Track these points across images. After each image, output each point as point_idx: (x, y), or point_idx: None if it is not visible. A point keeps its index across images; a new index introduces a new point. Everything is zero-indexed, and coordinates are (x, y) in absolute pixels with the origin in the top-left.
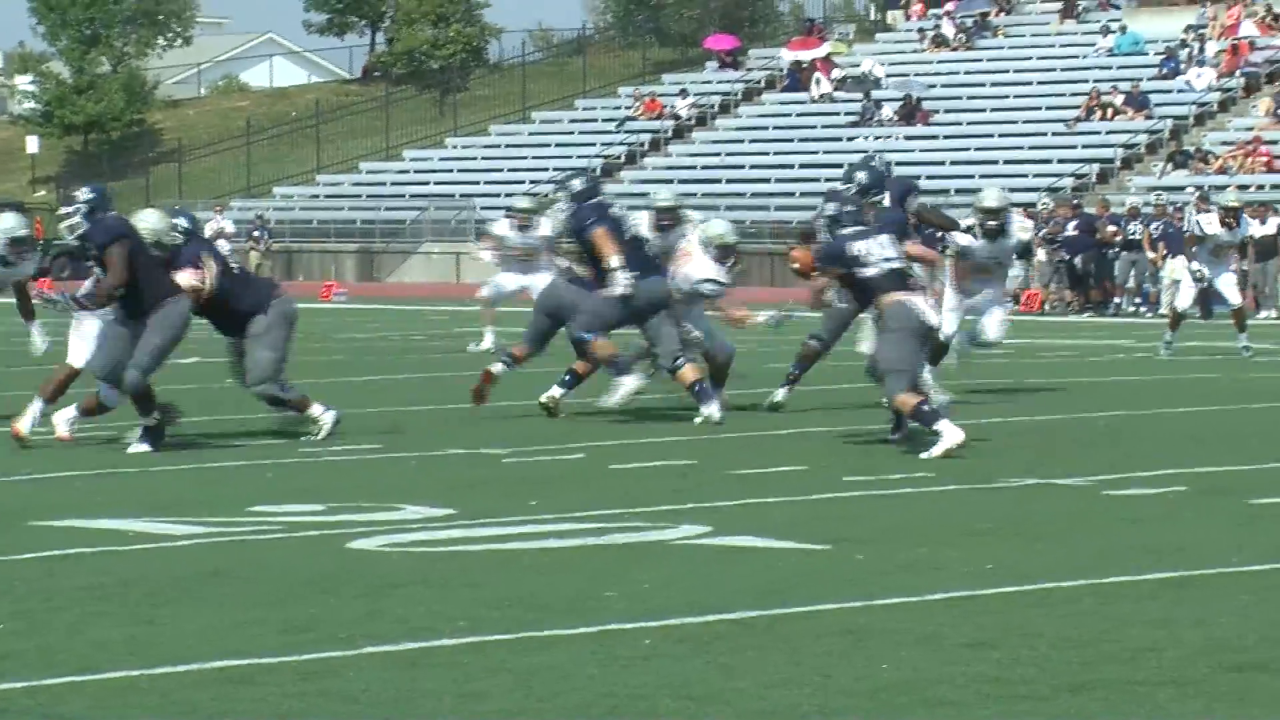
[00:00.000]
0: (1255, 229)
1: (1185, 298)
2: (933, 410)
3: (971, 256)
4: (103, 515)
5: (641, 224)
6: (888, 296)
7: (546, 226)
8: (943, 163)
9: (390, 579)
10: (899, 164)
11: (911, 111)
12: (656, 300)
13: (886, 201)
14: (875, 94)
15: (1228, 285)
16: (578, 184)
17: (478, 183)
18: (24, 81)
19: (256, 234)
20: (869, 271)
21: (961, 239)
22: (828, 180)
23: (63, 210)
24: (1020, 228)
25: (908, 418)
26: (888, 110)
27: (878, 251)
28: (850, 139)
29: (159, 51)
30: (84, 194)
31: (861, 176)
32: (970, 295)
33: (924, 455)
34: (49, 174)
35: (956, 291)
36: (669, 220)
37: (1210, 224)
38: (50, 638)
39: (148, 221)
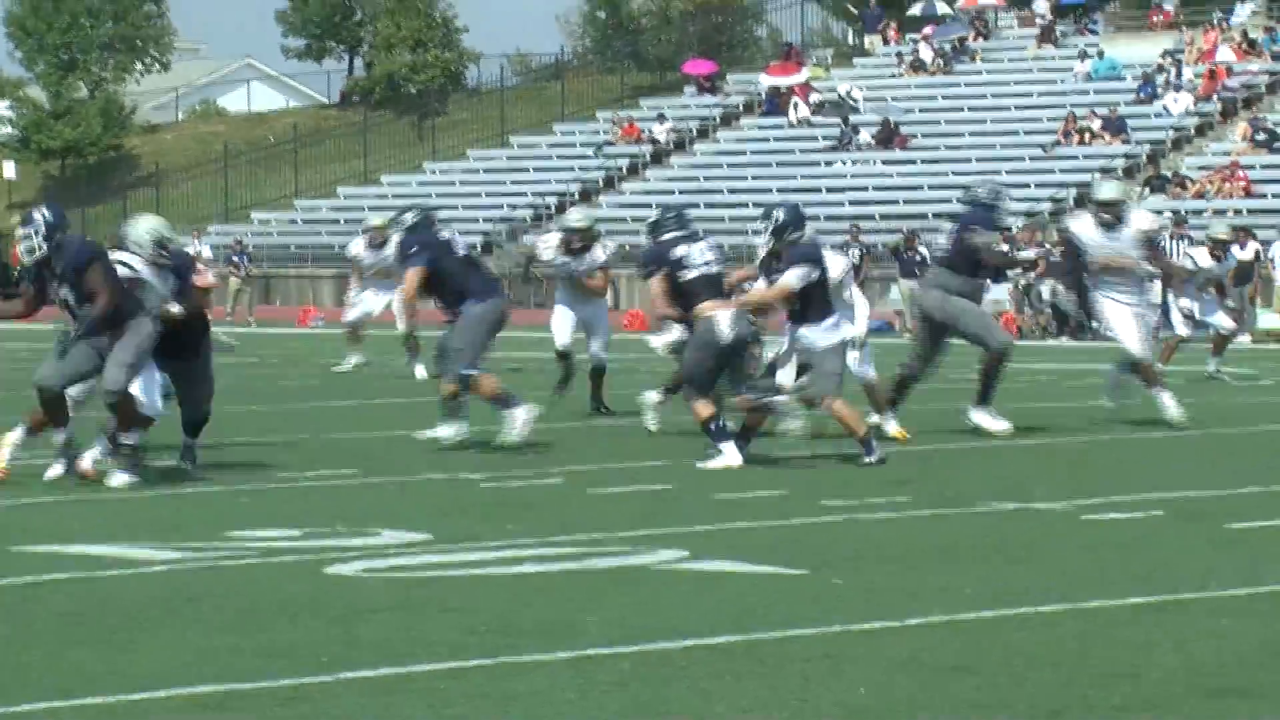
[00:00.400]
0: (1234, 252)
1: (1181, 327)
2: (720, 428)
3: (1087, 254)
4: (79, 540)
5: (549, 246)
6: (703, 307)
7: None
8: (920, 187)
9: (368, 604)
10: (876, 188)
11: (889, 136)
12: (495, 321)
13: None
14: (853, 119)
15: (1219, 317)
16: (409, 217)
17: (456, 207)
18: (1, 107)
19: (235, 259)
20: (689, 275)
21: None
22: (806, 205)
23: (20, 232)
24: (1142, 219)
25: (702, 428)
26: (865, 135)
27: (698, 256)
28: (828, 163)
29: (136, 77)
30: (43, 215)
31: (779, 214)
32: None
33: (698, 464)
34: (26, 199)
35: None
36: (581, 242)
37: (1201, 257)
38: (27, 662)
39: (147, 223)
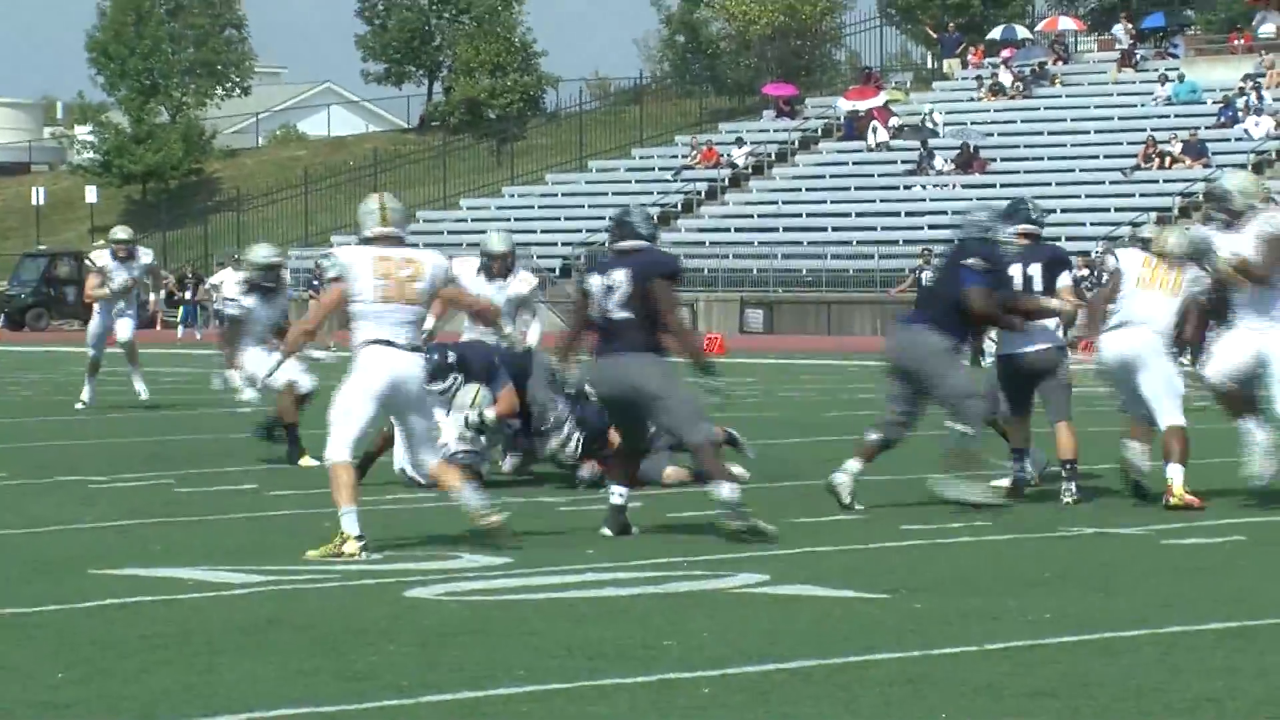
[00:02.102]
0: None
1: None
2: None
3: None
4: (162, 564)
5: (464, 272)
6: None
7: (147, 257)
8: None
9: (447, 628)
10: (955, 212)
11: (968, 160)
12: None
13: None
14: (932, 142)
15: None
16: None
17: (534, 231)
18: (83, 132)
19: (315, 284)
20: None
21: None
22: (884, 229)
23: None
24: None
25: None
26: (944, 159)
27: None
28: (907, 187)
29: (217, 101)
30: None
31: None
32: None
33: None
34: (108, 223)
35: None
36: (499, 268)
37: None
38: (111, 686)
39: (263, 250)
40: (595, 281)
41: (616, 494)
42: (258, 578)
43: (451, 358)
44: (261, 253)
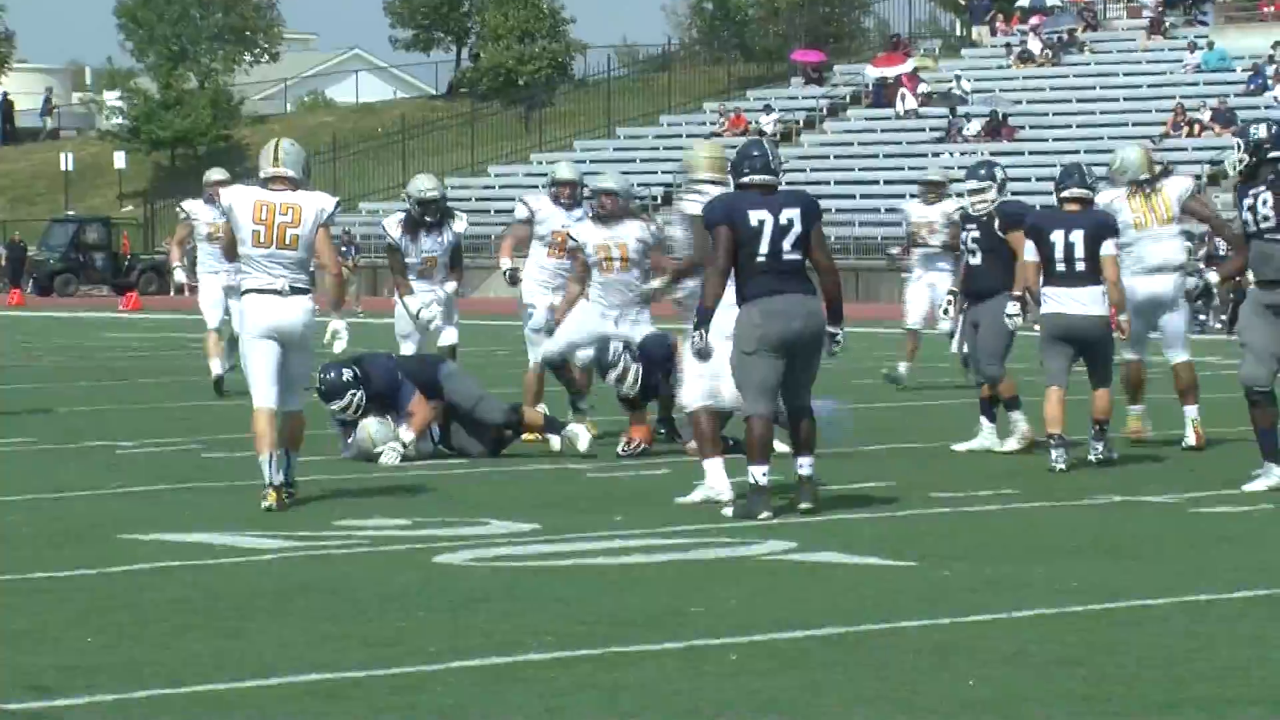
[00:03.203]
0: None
1: None
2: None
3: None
4: (190, 529)
5: (540, 204)
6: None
7: None
8: (1028, 179)
9: (476, 594)
10: None
11: (997, 127)
12: None
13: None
14: (960, 110)
15: None
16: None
17: None
18: (112, 98)
19: (344, 249)
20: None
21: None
22: (913, 196)
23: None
24: None
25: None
26: (973, 126)
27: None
28: (935, 154)
29: (246, 67)
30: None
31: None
32: None
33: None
34: (136, 189)
35: None
36: (568, 196)
37: None
38: (139, 651)
39: (423, 183)
40: (760, 217)
41: (763, 474)
42: (286, 543)
43: (348, 375)
44: (420, 185)
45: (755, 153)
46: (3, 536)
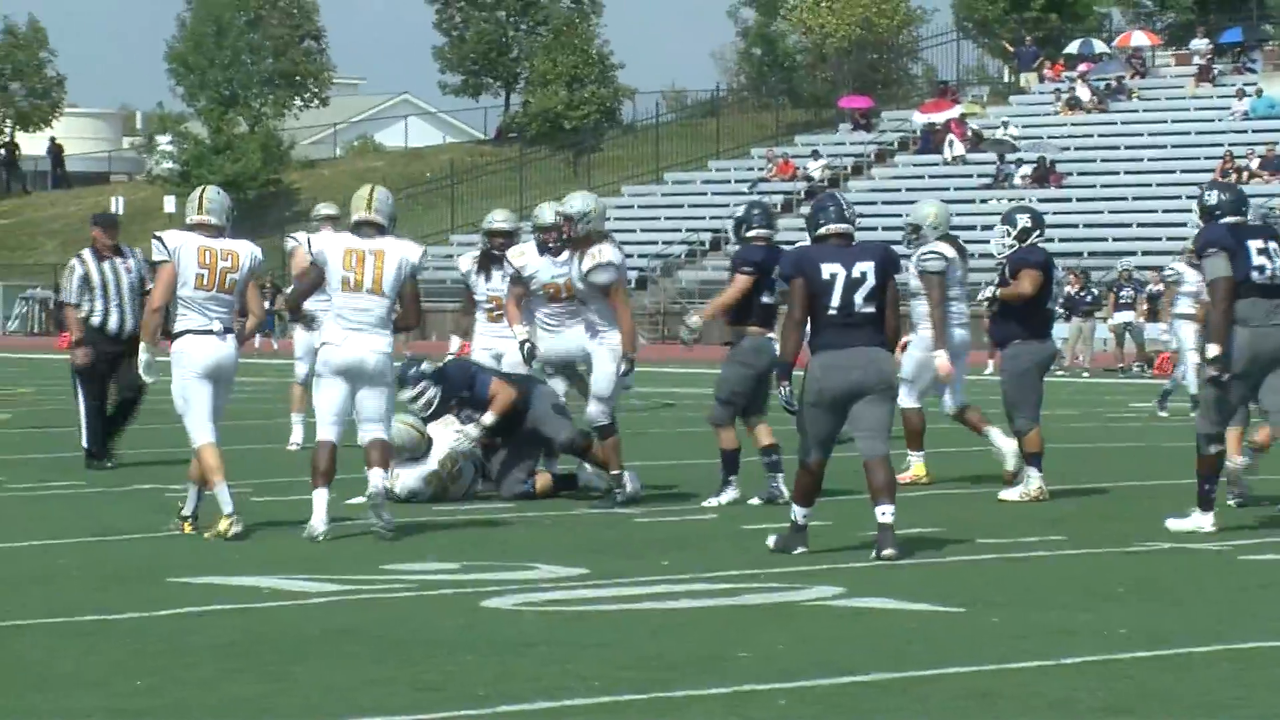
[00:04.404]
0: None
1: None
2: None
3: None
4: (239, 573)
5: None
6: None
7: None
8: (1075, 225)
9: (523, 638)
10: None
11: (1045, 174)
12: None
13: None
14: (1009, 156)
15: None
16: None
17: None
18: (163, 142)
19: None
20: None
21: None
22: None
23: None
24: None
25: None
26: (1021, 172)
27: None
28: (983, 200)
29: (295, 112)
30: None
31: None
32: None
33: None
34: None
35: None
36: (552, 240)
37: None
38: (186, 694)
39: (497, 216)
40: (832, 270)
41: (804, 515)
42: (333, 586)
43: (425, 367)
44: (492, 216)
45: (830, 205)
46: (51, 579)
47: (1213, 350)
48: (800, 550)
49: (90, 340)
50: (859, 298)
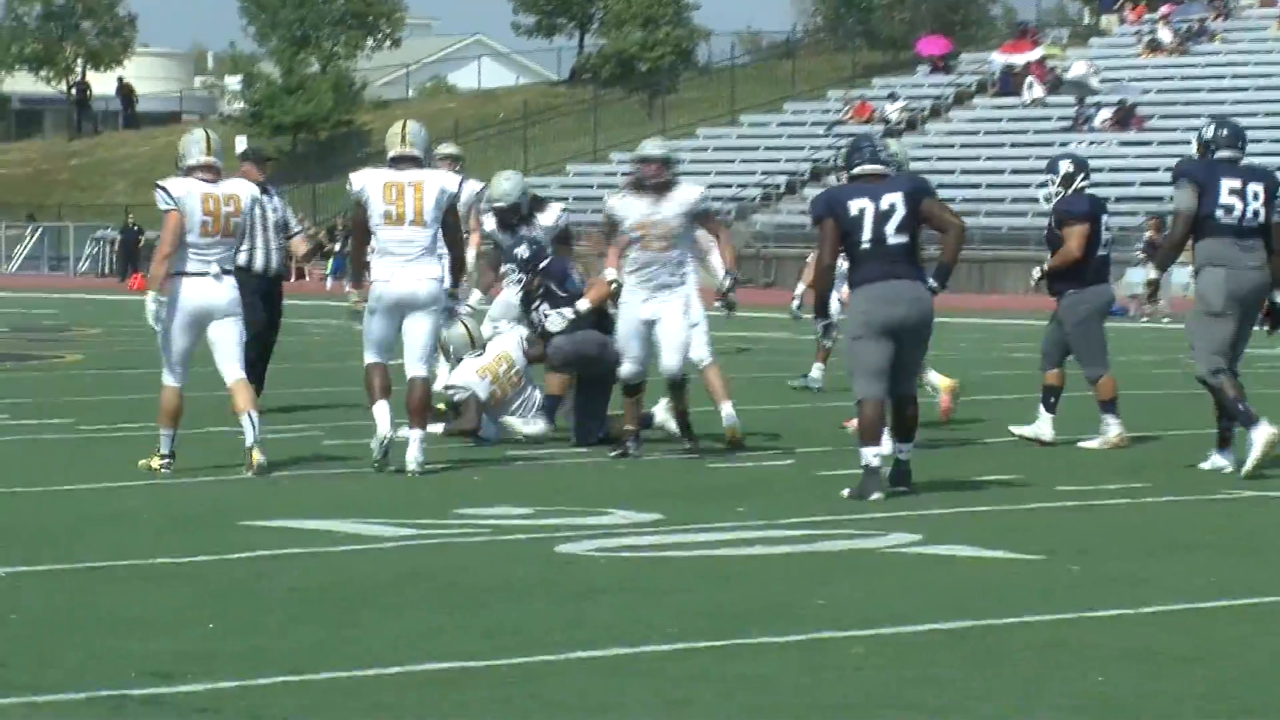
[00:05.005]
0: None
1: None
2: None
3: None
4: (312, 516)
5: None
6: None
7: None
8: (1156, 169)
9: (596, 584)
10: (1112, 169)
11: (1125, 117)
12: None
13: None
14: (1089, 99)
15: None
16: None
17: None
18: (234, 82)
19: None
20: None
21: None
22: (1039, 186)
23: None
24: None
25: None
26: (1102, 115)
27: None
28: (1063, 144)
29: (368, 53)
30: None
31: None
32: None
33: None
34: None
35: None
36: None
37: None
38: (258, 639)
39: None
40: (860, 206)
41: (875, 455)
42: (407, 531)
43: (523, 250)
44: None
45: (864, 145)
46: (122, 520)
47: (1151, 273)
48: (876, 496)
49: (240, 280)
50: (890, 229)
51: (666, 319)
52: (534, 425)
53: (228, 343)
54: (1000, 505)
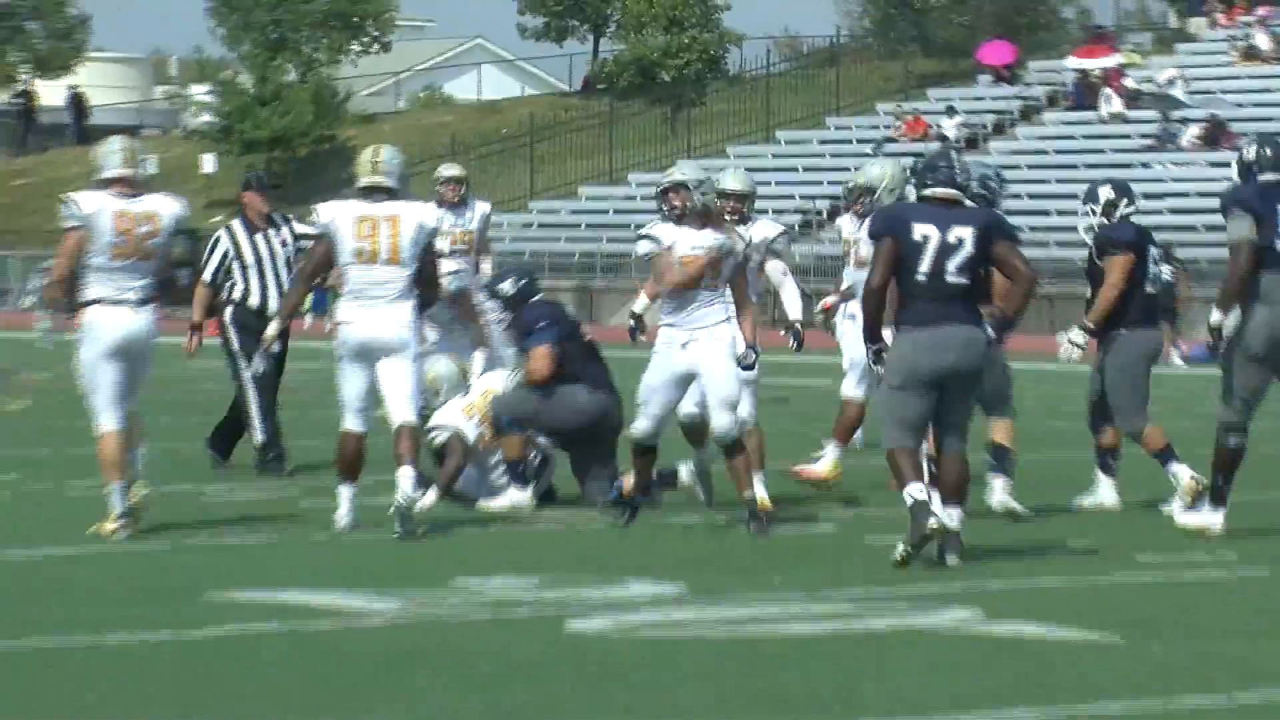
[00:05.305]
0: None
1: None
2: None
3: None
4: (288, 587)
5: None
6: None
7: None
8: None
9: (614, 667)
10: (1200, 194)
11: (1216, 134)
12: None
13: None
14: (1175, 113)
15: None
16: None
17: None
18: (200, 92)
19: None
20: None
21: None
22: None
23: None
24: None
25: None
26: (1189, 133)
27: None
28: (1145, 165)
29: (353, 58)
30: None
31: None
32: None
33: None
34: (226, 197)
35: None
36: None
37: None
38: None
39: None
40: (925, 232)
41: (918, 490)
42: (396, 604)
43: (507, 286)
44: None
45: (941, 164)
46: (71, 592)
47: (1215, 318)
48: (933, 523)
49: (242, 321)
50: (952, 265)
51: (710, 367)
52: (504, 499)
53: (132, 383)
54: (1070, 577)
